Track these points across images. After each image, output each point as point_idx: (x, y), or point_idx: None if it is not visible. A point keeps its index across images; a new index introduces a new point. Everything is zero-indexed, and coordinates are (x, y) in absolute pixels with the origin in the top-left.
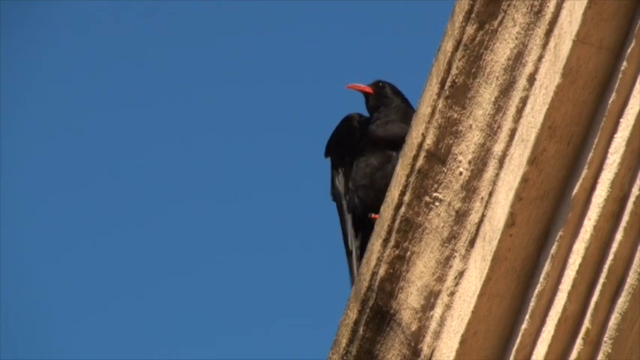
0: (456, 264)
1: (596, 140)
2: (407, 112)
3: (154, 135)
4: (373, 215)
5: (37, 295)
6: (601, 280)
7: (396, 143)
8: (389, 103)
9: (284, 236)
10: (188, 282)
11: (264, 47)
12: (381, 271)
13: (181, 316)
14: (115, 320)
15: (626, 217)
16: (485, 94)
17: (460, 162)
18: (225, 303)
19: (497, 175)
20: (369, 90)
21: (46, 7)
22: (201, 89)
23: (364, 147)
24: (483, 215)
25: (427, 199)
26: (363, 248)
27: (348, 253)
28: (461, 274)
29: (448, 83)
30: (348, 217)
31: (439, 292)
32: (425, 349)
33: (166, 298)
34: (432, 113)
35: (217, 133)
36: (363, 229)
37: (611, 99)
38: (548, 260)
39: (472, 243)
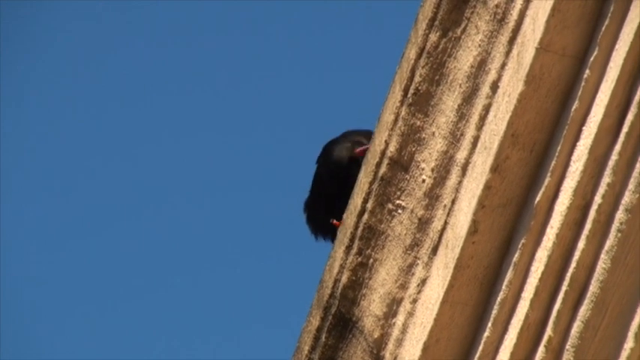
0: (419, 271)
1: (558, 148)
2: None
3: (153, 134)
4: (335, 222)
5: (37, 295)
6: (563, 288)
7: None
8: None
9: (275, 236)
10: (183, 282)
11: (257, 46)
12: (344, 279)
13: (177, 315)
14: (113, 320)
15: (588, 226)
16: (449, 102)
17: (423, 169)
18: (204, 305)
19: (460, 182)
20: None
21: (46, 7)
22: (201, 89)
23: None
24: (446, 223)
25: (390, 206)
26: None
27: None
28: (423, 281)
29: (411, 91)
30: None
31: (401, 299)
32: (387, 357)
33: (162, 298)
34: (395, 120)
35: (213, 133)
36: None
37: (574, 107)
38: (511, 268)
39: (435, 250)
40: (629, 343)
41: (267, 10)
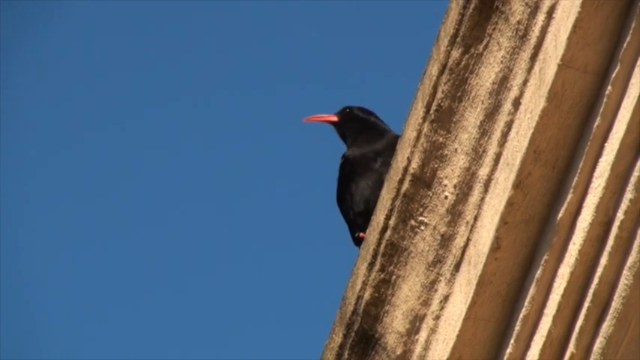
0: (442, 288)
1: (581, 164)
2: (376, 125)
3: (155, 136)
4: (361, 234)
5: (37, 296)
6: (586, 305)
7: (377, 154)
8: (359, 126)
9: (280, 238)
10: (182, 283)
11: (264, 47)
12: (367, 295)
13: (177, 316)
14: (113, 320)
15: (610, 242)
16: (471, 118)
17: (445, 186)
18: (220, 305)
19: (482, 199)
20: (332, 119)
21: (46, 7)
22: (200, 89)
23: (352, 175)
24: (468, 239)
25: (413, 222)
26: None
27: None
28: (446, 298)
29: (434, 107)
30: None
31: (424, 315)
32: None
33: (162, 299)
34: (418, 137)
35: (214, 135)
36: None
37: (596, 123)
38: (533, 284)
39: (457, 267)
40: None
41: (290, 24)
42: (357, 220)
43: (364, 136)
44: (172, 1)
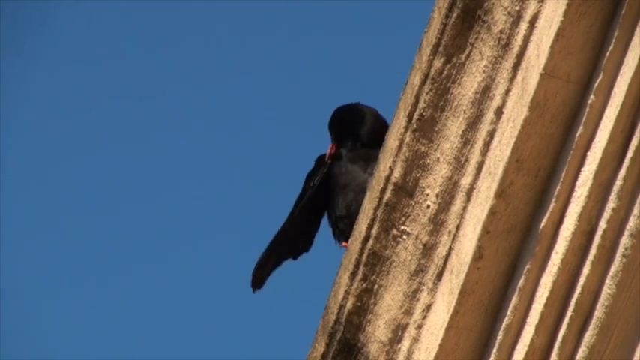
0: (424, 297)
1: (563, 173)
2: (361, 134)
3: (153, 133)
4: (344, 243)
5: (37, 295)
6: (568, 314)
7: (367, 162)
8: (350, 139)
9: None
10: (181, 284)
11: (259, 46)
12: (349, 304)
13: (179, 316)
14: (112, 320)
15: (593, 251)
16: (453, 128)
17: (428, 195)
18: (216, 305)
19: (464, 208)
20: (332, 152)
21: (46, 7)
22: (197, 89)
23: (338, 180)
24: (451, 248)
25: (395, 232)
26: None
27: None
28: (428, 307)
29: (416, 116)
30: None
31: (407, 325)
32: None
33: (161, 299)
34: (400, 146)
35: (213, 134)
36: None
37: (579, 132)
38: (516, 293)
39: (440, 276)
40: None
41: (290, 22)
42: (339, 224)
43: (359, 151)
44: (172, 1)
